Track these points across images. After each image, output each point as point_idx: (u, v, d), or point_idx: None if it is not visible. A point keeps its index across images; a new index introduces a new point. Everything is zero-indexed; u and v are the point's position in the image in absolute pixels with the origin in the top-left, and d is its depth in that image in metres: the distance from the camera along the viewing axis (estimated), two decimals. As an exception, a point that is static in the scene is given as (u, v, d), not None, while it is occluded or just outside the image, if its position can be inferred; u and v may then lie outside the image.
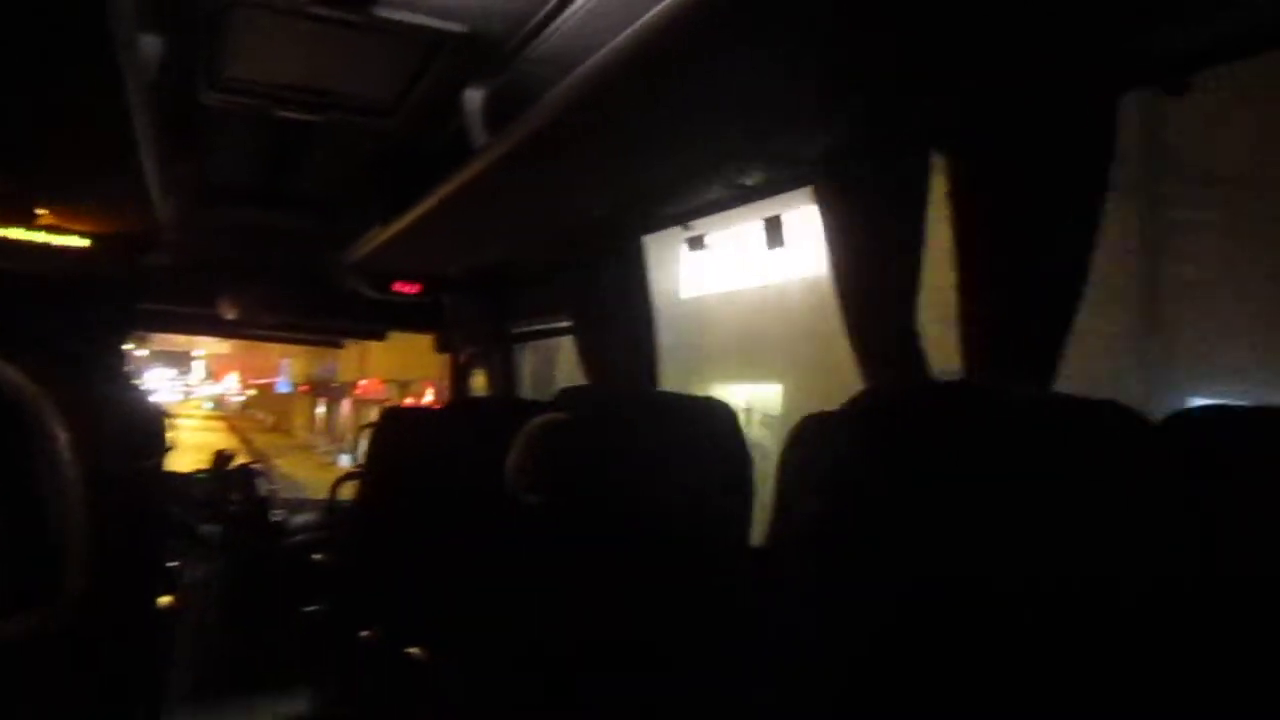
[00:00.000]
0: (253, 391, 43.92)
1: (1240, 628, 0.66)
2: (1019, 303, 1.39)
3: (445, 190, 2.26)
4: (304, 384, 30.89)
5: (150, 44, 1.97)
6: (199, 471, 4.37)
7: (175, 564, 3.21)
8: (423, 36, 1.90)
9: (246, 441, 22.29)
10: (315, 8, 1.80)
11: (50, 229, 3.00)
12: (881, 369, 1.63)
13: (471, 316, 3.71)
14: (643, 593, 1.54)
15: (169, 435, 3.35)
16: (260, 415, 41.18)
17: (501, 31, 1.84)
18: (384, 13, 1.80)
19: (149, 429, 2.98)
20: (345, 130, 2.59)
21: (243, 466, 4.50)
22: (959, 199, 1.46)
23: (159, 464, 3.30)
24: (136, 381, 3.41)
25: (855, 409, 1.04)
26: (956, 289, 1.46)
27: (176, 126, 2.49)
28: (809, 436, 1.36)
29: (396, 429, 3.17)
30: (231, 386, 44.82)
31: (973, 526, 0.73)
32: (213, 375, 44.85)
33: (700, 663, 1.37)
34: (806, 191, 1.83)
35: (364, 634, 2.69)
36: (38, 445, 0.67)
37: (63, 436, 0.67)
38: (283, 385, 32.30)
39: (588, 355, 1.97)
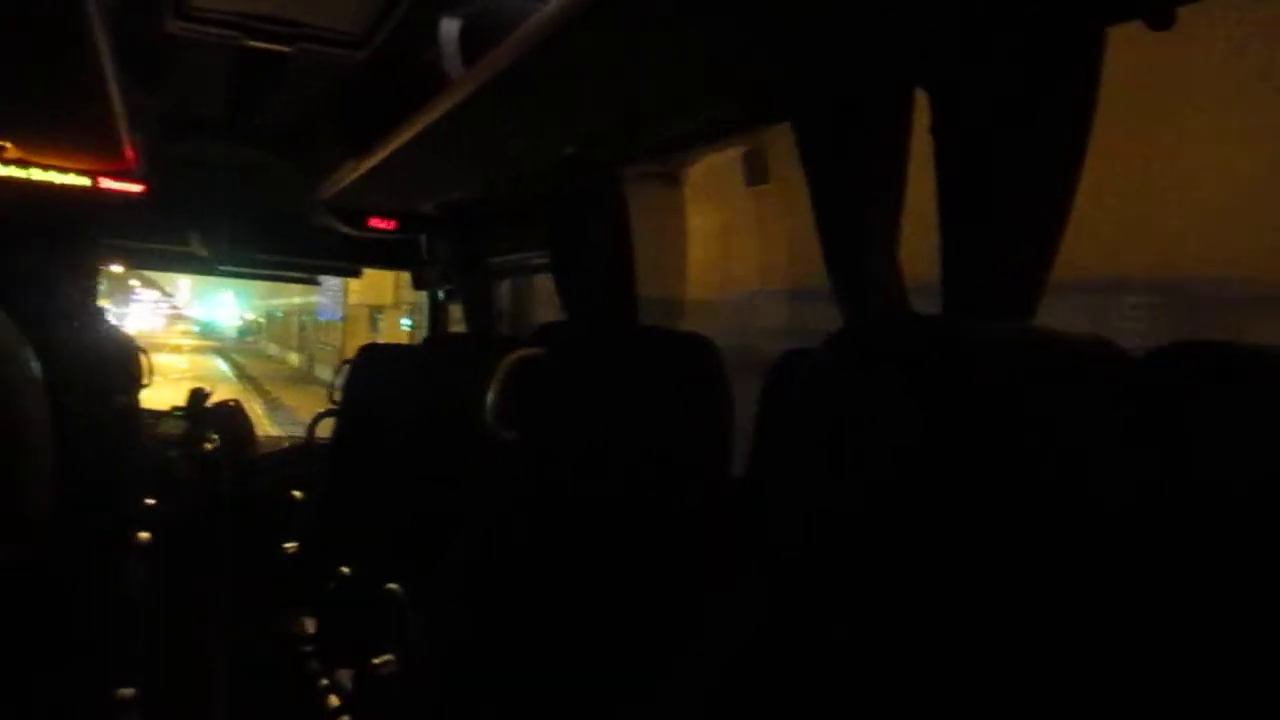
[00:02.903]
0: (255, 316, 37.86)
1: (1219, 566, 0.67)
2: (1001, 239, 1.38)
3: (420, 124, 2.22)
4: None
5: None
6: (175, 409, 4.35)
7: (152, 501, 3.20)
8: (395, -37, 1.85)
9: (265, 396, 18.63)
10: (283, -67, 1.75)
11: (14, 163, 2.94)
12: (862, 306, 1.62)
13: (448, 252, 3.68)
14: (622, 527, 1.55)
15: (145, 370, 3.33)
16: (273, 349, 34.49)
17: (477, -42, 1.80)
18: (355, -62, 1.75)
19: (123, 366, 2.96)
20: (316, 62, 2.53)
21: (220, 404, 4.48)
22: (941, 132, 1.44)
23: (134, 401, 3.27)
24: (110, 314, 3.37)
25: (837, 344, 1.04)
26: (938, 225, 1.45)
27: (143, 56, 2.43)
28: (789, 372, 1.36)
29: (374, 366, 3.17)
30: (229, 309, 38.47)
31: (952, 459, 0.73)
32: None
33: (681, 595, 1.37)
34: (785, 126, 1.81)
35: (343, 570, 2.71)
36: (9, 390, 0.65)
37: (29, 369, 0.66)
38: (327, 312, 24.56)
39: (565, 291, 1.95)
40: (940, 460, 0.74)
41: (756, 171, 2.13)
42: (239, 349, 36.24)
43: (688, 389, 1.55)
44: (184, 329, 39.90)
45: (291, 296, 29.08)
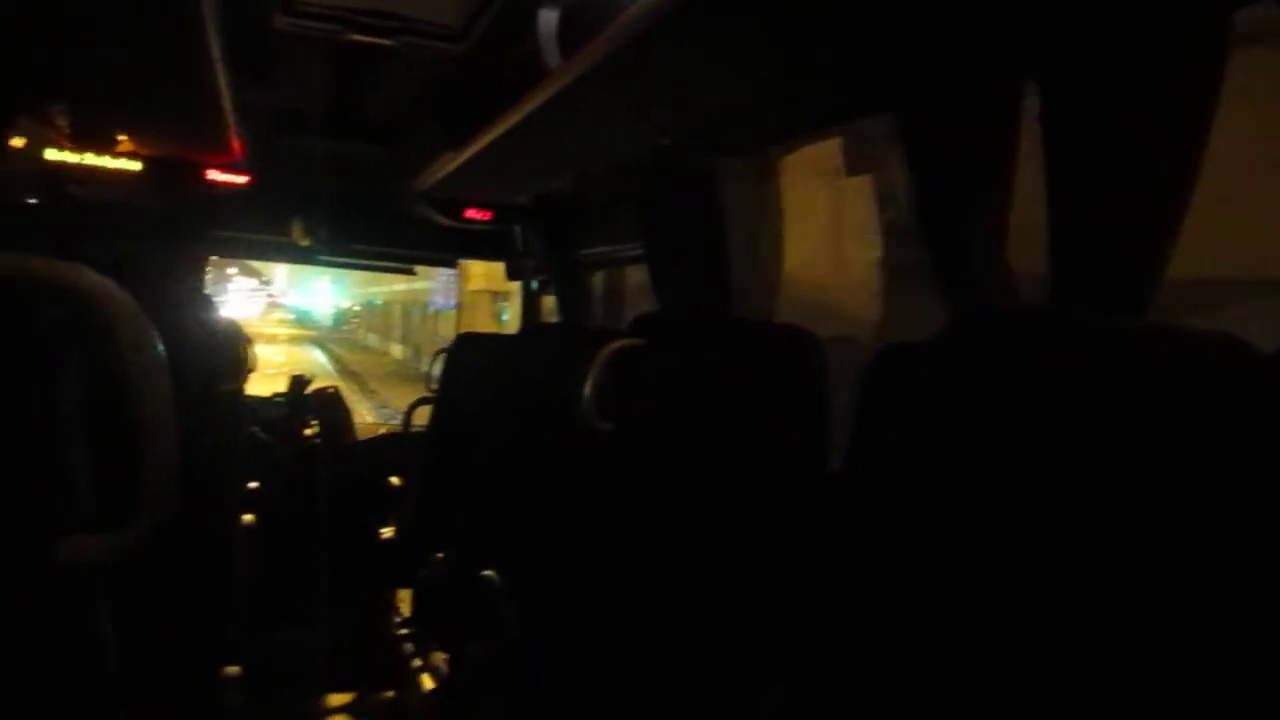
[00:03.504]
0: (351, 304, 35.65)
1: None
2: (1112, 232, 1.33)
3: (516, 116, 2.24)
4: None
5: None
6: (276, 395, 4.47)
7: (255, 485, 3.29)
8: (497, -44, 1.86)
9: (372, 396, 17.71)
10: (387, -72, 1.78)
11: (130, 156, 3.05)
12: (967, 299, 1.58)
13: (542, 243, 3.71)
14: (716, 521, 1.54)
15: (250, 358, 3.43)
16: (373, 340, 32.30)
17: (577, -52, 1.80)
18: (457, -67, 1.76)
19: (231, 353, 3.05)
20: (416, 55, 2.57)
21: (319, 391, 4.60)
22: (1052, 121, 1.39)
23: (240, 387, 3.37)
24: (216, 301, 3.48)
25: (946, 336, 1.01)
26: (1047, 221, 1.41)
27: (250, 52, 2.49)
28: (892, 365, 1.33)
29: (470, 355, 3.21)
30: (325, 297, 36.94)
31: (1071, 457, 0.70)
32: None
33: (776, 593, 1.36)
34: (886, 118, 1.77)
35: (438, 556, 2.75)
36: (132, 364, 0.67)
37: (157, 354, 0.68)
38: (440, 300, 22.13)
39: (660, 282, 1.95)
40: (1058, 458, 0.72)
41: (856, 161, 2.09)
42: (336, 339, 34.83)
43: (785, 381, 1.54)
44: (280, 317, 39.24)
45: (393, 284, 26.99)
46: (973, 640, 0.78)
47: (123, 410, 0.67)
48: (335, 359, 26.04)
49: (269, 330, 32.18)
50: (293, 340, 30.82)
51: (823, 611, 1.00)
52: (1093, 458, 0.72)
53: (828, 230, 2.48)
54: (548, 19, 2.03)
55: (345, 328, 37.48)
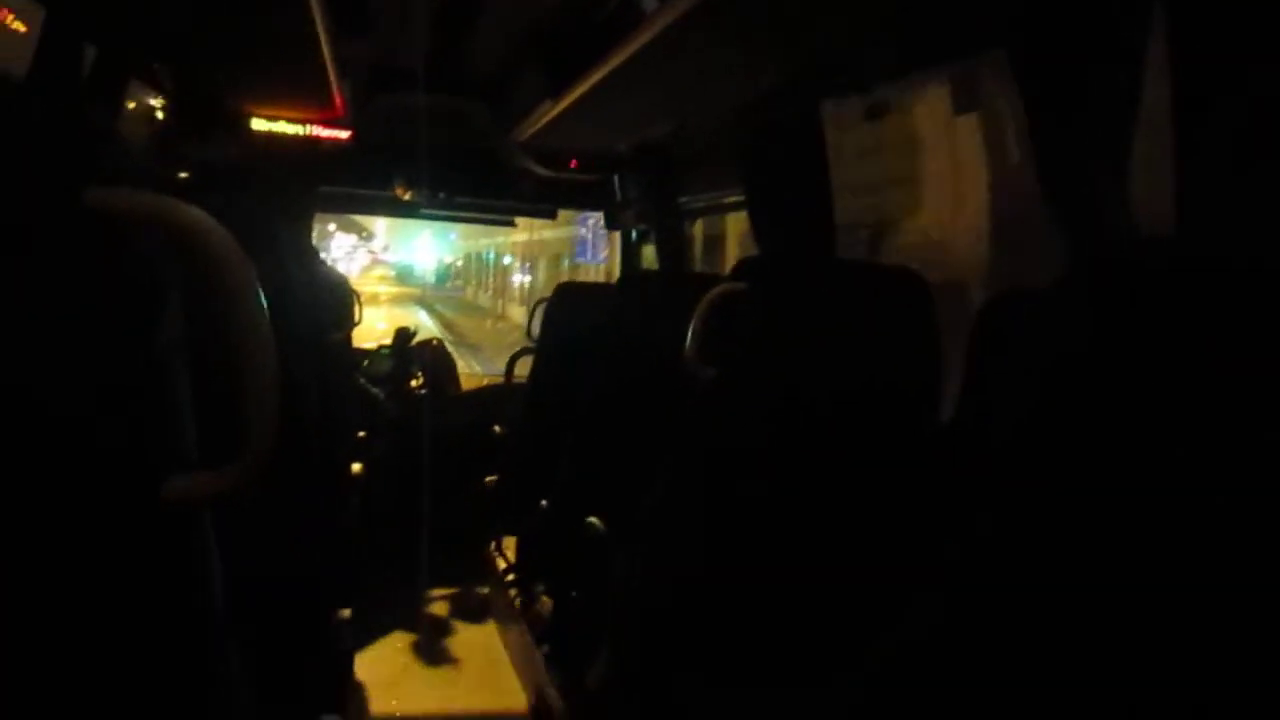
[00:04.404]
0: (451, 259, 33.07)
1: None
2: (1249, 166, 1.25)
3: (614, 62, 2.21)
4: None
5: None
6: (383, 347, 4.57)
7: (363, 434, 3.37)
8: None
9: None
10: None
11: (236, 115, 3.12)
12: (1087, 241, 1.51)
13: (640, 192, 3.69)
14: (822, 469, 1.51)
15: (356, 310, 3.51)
16: (483, 300, 29.18)
17: (674, -115, 1.75)
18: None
19: (336, 305, 3.11)
20: (511, 5, 2.56)
21: (425, 343, 4.68)
22: (1181, 50, 1.31)
23: (348, 337, 3.45)
24: (324, 258, 3.57)
25: (1065, 282, 0.96)
26: (1174, 153, 1.33)
27: (349, 8, 2.51)
28: (1006, 311, 1.28)
29: (569, 304, 3.22)
30: (426, 251, 34.36)
31: (1211, 409, 0.66)
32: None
33: (887, 544, 1.33)
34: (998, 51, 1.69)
35: (541, 503, 2.78)
36: (229, 298, 0.67)
37: (255, 289, 0.68)
38: (588, 253, 17.64)
39: (762, 227, 1.91)
40: (1198, 410, 0.67)
41: (965, 99, 2.01)
42: (443, 298, 32.04)
43: (894, 324, 1.49)
44: (381, 274, 36.63)
45: (510, 234, 22.77)
46: (1092, 612, 0.74)
47: (223, 347, 0.67)
48: (444, 323, 21.64)
49: (369, 288, 26.81)
50: (394, 300, 26.91)
51: (934, 569, 0.96)
52: (1234, 409, 0.67)
53: (937, 172, 2.40)
54: (646, -41, 2.00)
55: (451, 285, 36.14)
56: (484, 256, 30.88)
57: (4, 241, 0.57)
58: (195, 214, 0.64)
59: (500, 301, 27.67)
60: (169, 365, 0.64)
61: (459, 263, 35.27)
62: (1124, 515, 0.72)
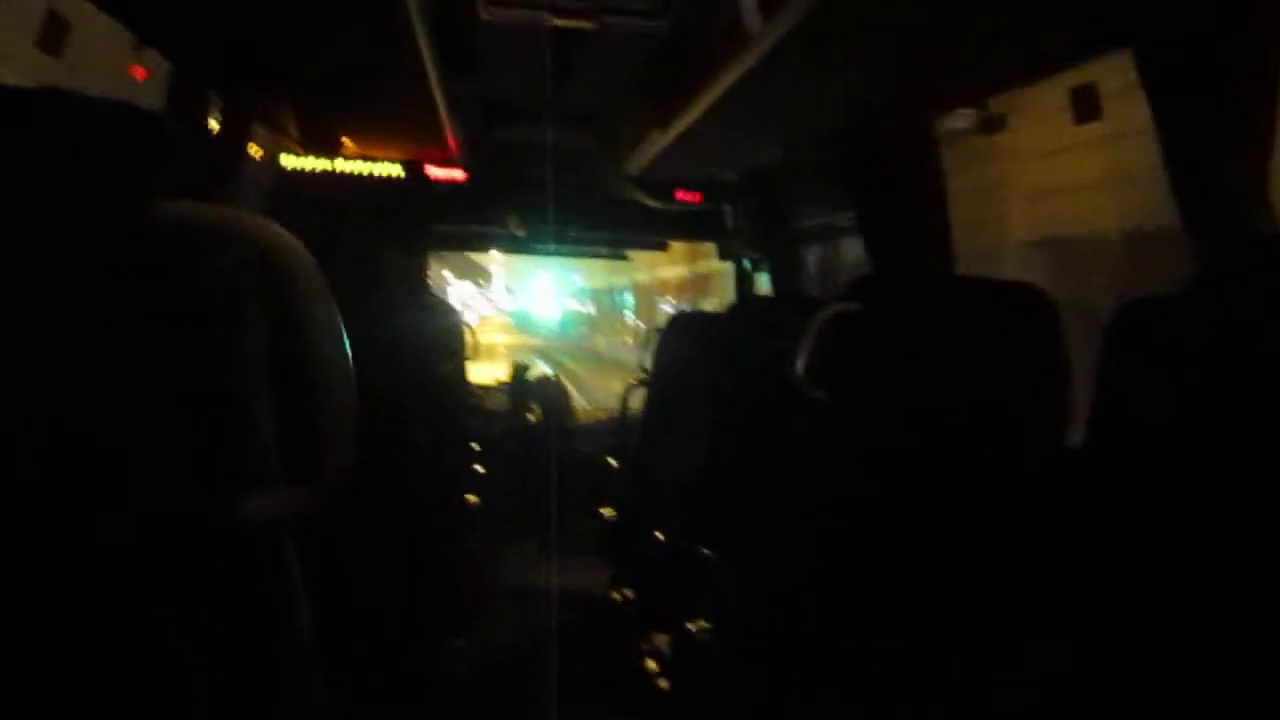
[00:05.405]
0: (582, 307, 31.09)
1: None
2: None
3: (720, 88, 2.19)
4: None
5: None
6: (500, 383, 4.64)
7: (480, 469, 3.40)
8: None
9: None
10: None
11: (354, 158, 3.21)
12: (1222, 248, 1.42)
13: (752, 219, 3.66)
14: (943, 495, 1.44)
15: (471, 345, 3.55)
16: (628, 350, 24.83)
17: (775, -95, 1.73)
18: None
19: (448, 337, 3.16)
20: (619, 36, 2.57)
21: (540, 378, 4.74)
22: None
23: (461, 369, 3.50)
24: (440, 294, 3.65)
25: (1200, 287, 0.89)
26: None
27: (459, 47, 2.56)
28: (1137, 322, 1.20)
29: (683, 335, 3.20)
30: (546, 297, 30.41)
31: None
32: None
33: (1013, 574, 1.26)
34: (1122, 56, 1.61)
35: (657, 535, 2.75)
36: (311, 318, 0.67)
37: (333, 313, 0.67)
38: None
39: (876, 246, 1.86)
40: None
41: (1086, 107, 1.92)
42: (567, 347, 28.33)
43: (1018, 343, 1.42)
44: (501, 322, 36.91)
45: (655, 268, 19.79)
46: (1253, 641, 0.67)
47: (303, 366, 0.67)
48: (568, 375, 18.82)
49: (486, 339, 26.89)
50: (511, 350, 24.17)
51: (1067, 602, 0.89)
52: None
53: (1057, 183, 2.31)
54: (747, -17, 1.98)
55: (576, 333, 32.83)
56: (615, 297, 25.57)
57: (75, 248, 0.57)
58: (275, 231, 0.64)
59: (635, 348, 21.11)
60: (251, 379, 0.64)
61: (583, 308, 31.95)
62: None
